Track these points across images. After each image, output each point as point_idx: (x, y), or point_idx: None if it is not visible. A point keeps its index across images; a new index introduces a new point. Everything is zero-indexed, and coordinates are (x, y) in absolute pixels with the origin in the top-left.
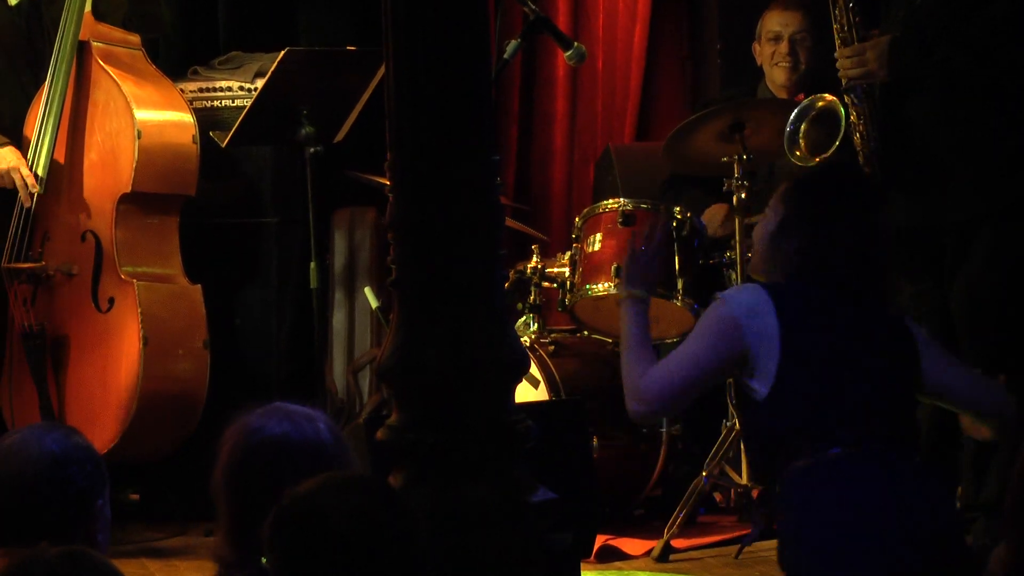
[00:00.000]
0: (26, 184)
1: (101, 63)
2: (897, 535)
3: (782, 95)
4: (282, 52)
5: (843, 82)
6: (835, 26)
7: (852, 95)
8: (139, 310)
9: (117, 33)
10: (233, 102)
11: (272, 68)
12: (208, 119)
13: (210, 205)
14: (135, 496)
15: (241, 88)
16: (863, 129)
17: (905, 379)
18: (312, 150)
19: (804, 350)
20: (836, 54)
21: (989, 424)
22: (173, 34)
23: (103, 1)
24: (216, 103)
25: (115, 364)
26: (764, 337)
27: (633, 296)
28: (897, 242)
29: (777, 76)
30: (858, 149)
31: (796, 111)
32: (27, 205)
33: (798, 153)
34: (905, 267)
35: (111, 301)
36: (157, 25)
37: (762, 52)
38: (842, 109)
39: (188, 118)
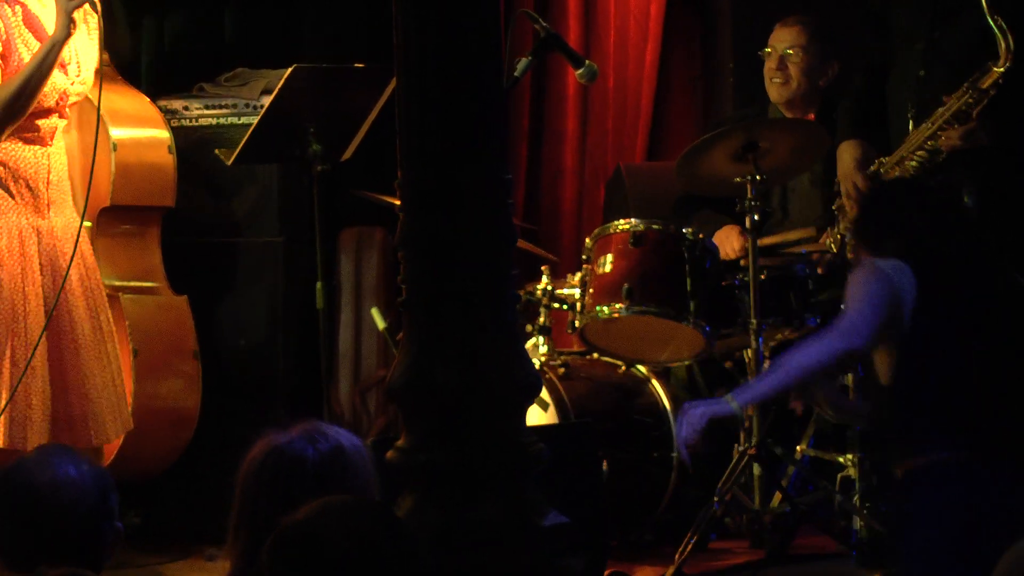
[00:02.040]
0: None
1: None
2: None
3: (786, 113)
4: (289, 69)
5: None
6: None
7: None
8: (127, 323)
9: None
10: (239, 119)
11: (279, 85)
12: (214, 136)
13: (215, 224)
14: (137, 519)
15: (247, 105)
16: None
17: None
18: (319, 168)
19: (933, 330)
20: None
21: None
22: (177, 48)
23: None
24: (222, 120)
25: None
26: (904, 303)
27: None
28: None
29: (770, 92)
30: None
31: None
32: None
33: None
34: None
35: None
36: (116, 47)
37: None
38: None
39: (163, 128)
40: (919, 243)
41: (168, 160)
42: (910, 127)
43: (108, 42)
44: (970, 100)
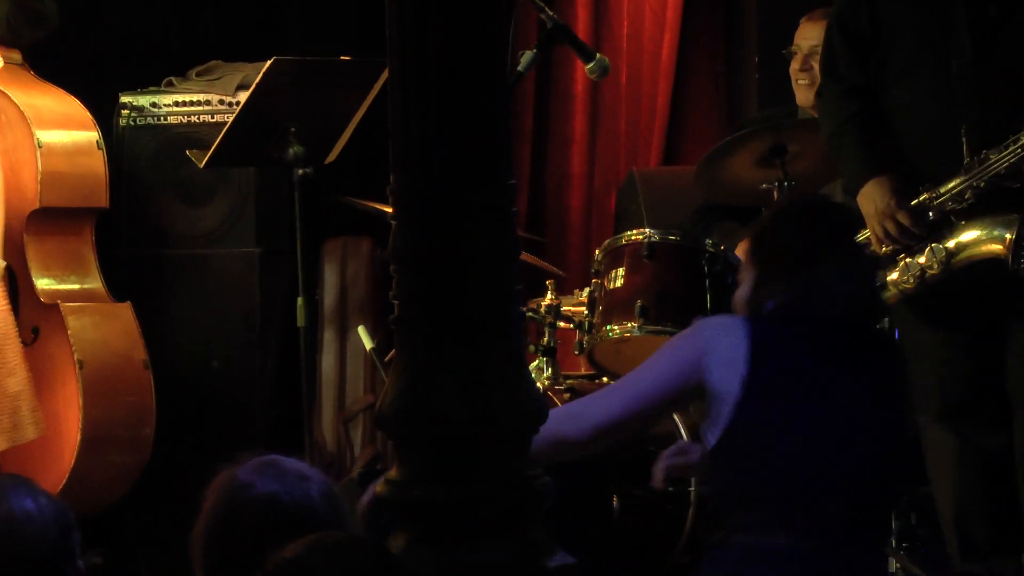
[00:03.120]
0: None
1: None
2: None
3: (816, 116)
4: (268, 62)
5: None
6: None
7: None
8: (69, 334)
9: None
10: (212, 118)
11: (256, 80)
12: (184, 137)
13: (186, 233)
14: (98, 559)
15: (221, 102)
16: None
17: (890, 451)
18: (301, 172)
19: (767, 402)
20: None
21: None
22: (145, 38)
23: None
24: (193, 119)
25: (51, 397)
26: (727, 372)
27: None
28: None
29: (797, 95)
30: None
31: None
32: None
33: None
34: (931, 312)
35: (35, 331)
36: (44, 23)
37: None
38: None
39: (90, 125)
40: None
41: (98, 158)
42: (963, 148)
43: (18, 33)
44: None
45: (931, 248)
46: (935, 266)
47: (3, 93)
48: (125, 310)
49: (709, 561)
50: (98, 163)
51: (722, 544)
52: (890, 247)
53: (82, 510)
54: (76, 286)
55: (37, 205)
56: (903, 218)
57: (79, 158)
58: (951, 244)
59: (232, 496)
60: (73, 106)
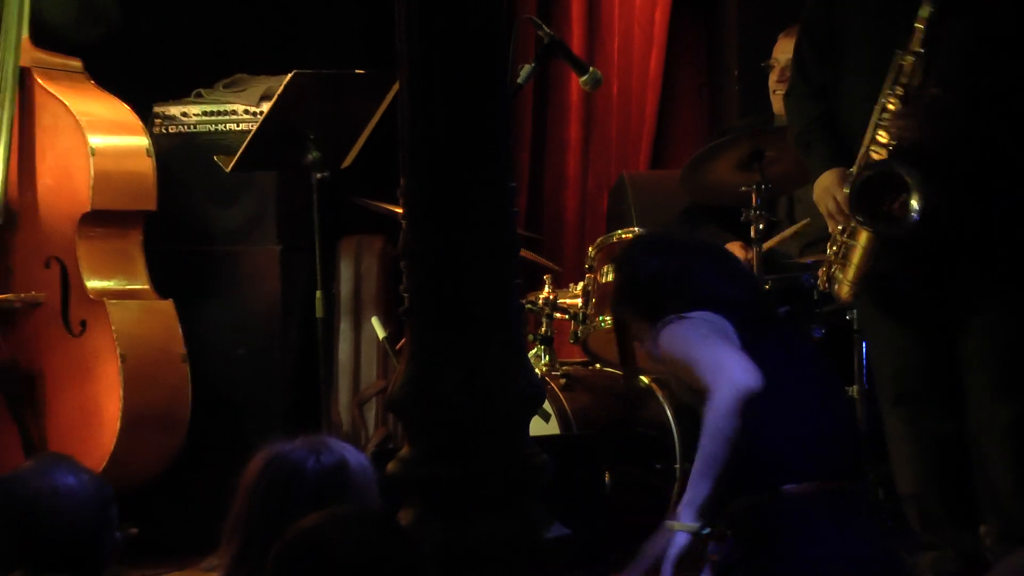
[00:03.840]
0: None
1: (44, 86)
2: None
3: None
4: (289, 75)
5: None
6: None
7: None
8: (113, 328)
9: (57, 58)
10: (238, 126)
11: (278, 91)
12: (212, 143)
13: (214, 232)
14: (134, 530)
15: (246, 111)
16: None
17: (845, 403)
18: (319, 176)
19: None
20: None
21: None
22: (176, 53)
23: (51, 5)
24: (221, 127)
25: (95, 387)
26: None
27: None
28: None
29: (774, 104)
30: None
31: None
32: None
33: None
34: (898, 306)
35: (83, 324)
36: (106, 20)
37: None
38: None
39: (140, 131)
40: (707, 292)
41: (147, 164)
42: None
43: (82, 31)
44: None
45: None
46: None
47: (60, 101)
48: (167, 307)
49: (744, 519)
50: (147, 168)
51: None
52: (837, 224)
53: (121, 487)
54: (122, 284)
55: (88, 208)
56: (839, 197)
57: (129, 163)
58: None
59: (274, 466)
60: (125, 114)
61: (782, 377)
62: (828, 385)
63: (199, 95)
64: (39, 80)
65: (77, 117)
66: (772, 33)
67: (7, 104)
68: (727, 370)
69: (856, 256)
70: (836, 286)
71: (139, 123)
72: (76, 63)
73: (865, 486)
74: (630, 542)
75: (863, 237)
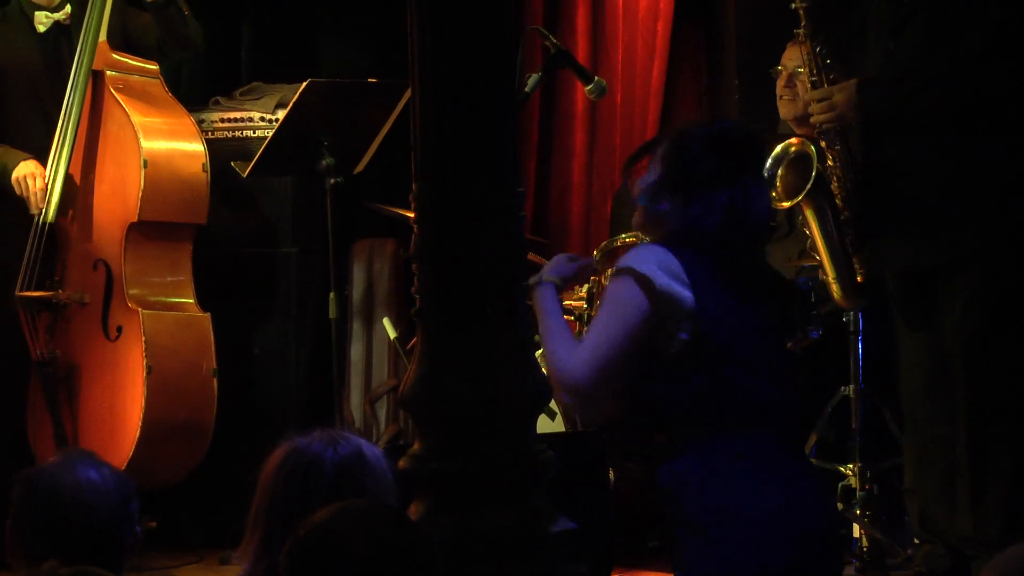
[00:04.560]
0: (36, 191)
1: (113, 93)
2: (794, 532)
3: (796, 130)
4: (304, 83)
5: (814, 127)
6: (804, 70)
7: (825, 139)
8: (143, 339)
9: (133, 62)
10: (254, 132)
11: (293, 99)
12: (229, 149)
13: (230, 235)
14: (152, 523)
15: (262, 119)
16: (839, 172)
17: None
18: (332, 181)
19: (713, 305)
20: (806, 98)
21: None
22: (195, 63)
23: (134, 25)
24: (237, 133)
25: (122, 392)
26: (677, 287)
27: (546, 280)
28: (893, 286)
29: (780, 109)
30: (835, 192)
31: (772, 157)
32: (33, 212)
33: (774, 195)
34: (902, 312)
35: (119, 329)
36: (191, 46)
37: None
38: (813, 150)
39: (198, 147)
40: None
41: (202, 179)
42: None
43: (167, 55)
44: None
45: None
46: None
47: (124, 109)
48: (203, 321)
49: (695, 458)
50: (201, 182)
51: (698, 442)
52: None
53: (140, 489)
54: (163, 295)
55: (136, 218)
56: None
57: (183, 176)
58: None
59: (293, 458)
60: (187, 127)
61: (726, 327)
62: (770, 339)
63: (217, 103)
64: (109, 85)
65: (136, 128)
66: (770, 43)
67: (76, 105)
68: (585, 361)
69: (819, 244)
70: (831, 291)
71: (199, 136)
72: (152, 67)
73: (792, 432)
74: (633, 536)
75: (807, 215)
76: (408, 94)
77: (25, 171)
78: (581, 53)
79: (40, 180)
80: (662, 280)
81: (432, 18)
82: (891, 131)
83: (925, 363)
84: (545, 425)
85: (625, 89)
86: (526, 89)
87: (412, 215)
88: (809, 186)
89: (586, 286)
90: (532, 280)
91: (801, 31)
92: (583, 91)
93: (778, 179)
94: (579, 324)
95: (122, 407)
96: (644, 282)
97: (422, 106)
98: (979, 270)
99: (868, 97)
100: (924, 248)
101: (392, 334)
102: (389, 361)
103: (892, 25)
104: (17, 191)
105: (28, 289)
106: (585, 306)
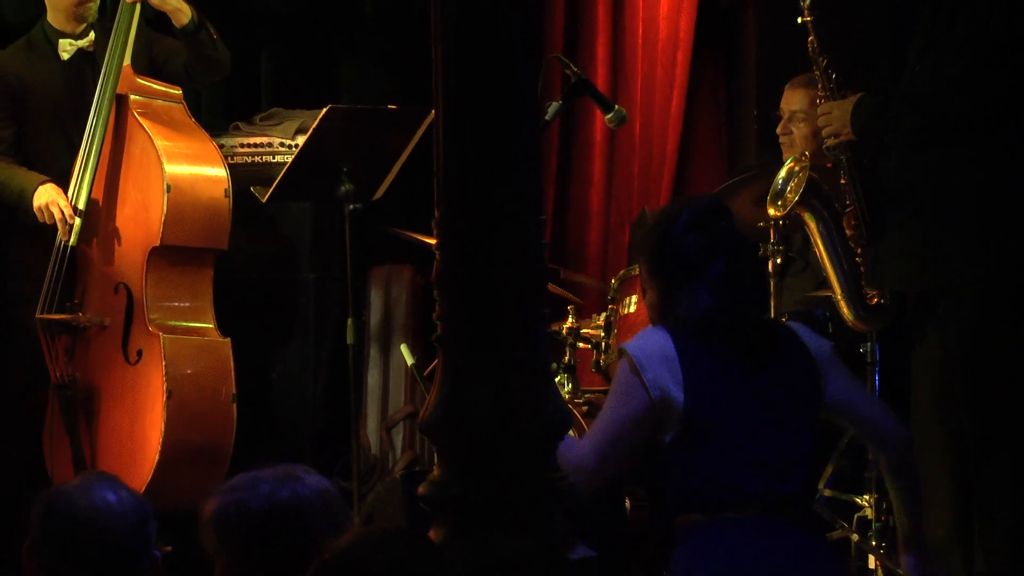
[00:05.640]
0: (64, 217)
1: (137, 117)
2: None
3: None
4: (324, 109)
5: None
6: (817, 87)
7: (833, 153)
8: (164, 363)
9: (157, 86)
10: (274, 158)
11: (314, 125)
12: (249, 174)
13: (249, 260)
14: (168, 548)
15: (282, 144)
16: (849, 188)
17: (806, 419)
18: (351, 207)
19: (706, 400)
20: (817, 112)
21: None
22: (215, 88)
23: (160, 51)
24: (257, 159)
25: (141, 416)
26: (671, 384)
27: None
28: (899, 304)
29: (783, 152)
30: (846, 210)
31: (783, 174)
32: (63, 239)
33: (780, 203)
34: (908, 329)
35: (139, 353)
36: (220, 69)
37: None
38: (808, 166)
39: (221, 172)
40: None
41: (224, 204)
42: None
43: (196, 79)
44: None
45: None
46: None
47: (147, 134)
48: (223, 346)
49: (686, 541)
50: (223, 208)
51: (689, 526)
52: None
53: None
54: (183, 319)
55: (158, 242)
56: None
57: (205, 201)
58: None
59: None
60: (209, 152)
61: (717, 416)
62: (775, 414)
63: (237, 128)
64: (133, 109)
65: (160, 153)
66: (790, 73)
67: (99, 129)
68: (591, 445)
69: (824, 259)
70: (843, 312)
71: (222, 161)
72: (176, 91)
73: (801, 513)
74: (648, 564)
75: (810, 227)
76: (428, 121)
77: (46, 199)
78: (601, 82)
79: (65, 207)
80: (650, 375)
81: (455, 46)
82: (891, 149)
83: (930, 388)
84: None
85: (644, 118)
86: (546, 117)
87: (433, 241)
88: (802, 190)
89: (603, 314)
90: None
91: (809, 46)
92: (602, 119)
93: (787, 194)
94: (596, 352)
95: (141, 431)
96: (638, 371)
97: (445, 133)
98: (982, 292)
99: (859, 116)
100: (927, 267)
101: (409, 360)
102: (406, 387)
103: (921, 47)
104: (40, 219)
105: (48, 312)
106: (603, 334)
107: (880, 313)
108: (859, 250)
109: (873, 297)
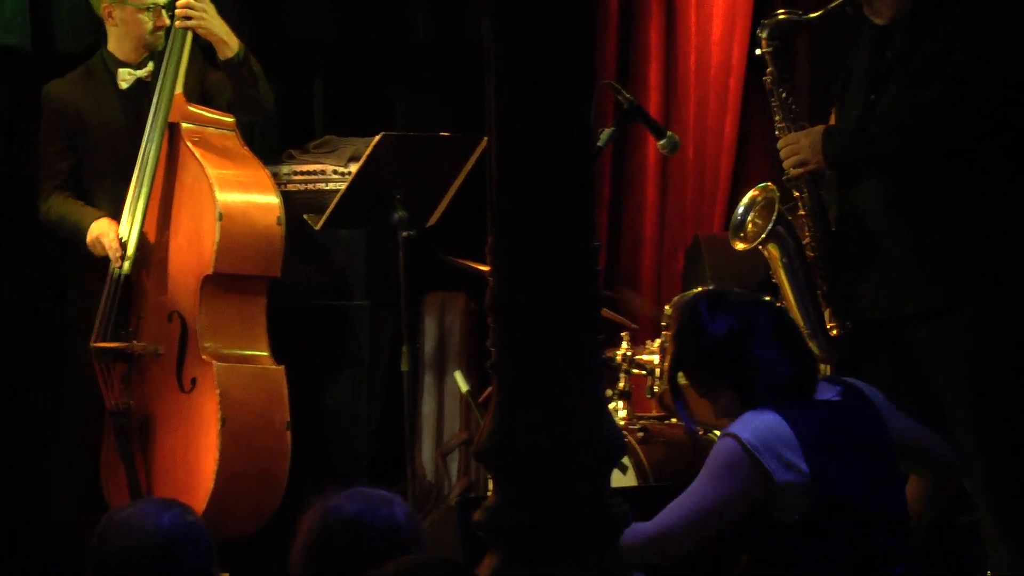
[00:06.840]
0: (113, 249)
1: (189, 145)
2: None
3: None
4: (377, 137)
5: (783, 173)
6: (775, 118)
7: (793, 186)
8: (217, 392)
9: (209, 114)
10: (327, 185)
11: (367, 152)
12: (302, 202)
13: (303, 287)
14: (225, 575)
15: (335, 172)
16: (809, 222)
17: (894, 465)
18: (405, 234)
19: (826, 469)
20: (778, 145)
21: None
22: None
23: (211, 83)
24: (310, 186)
25: (195, 444)
26: (799, 463)
27: None
28: (867, 334)
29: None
30: (806, 242)
31: (742, 205)
32: (116, 266)
33: (741, 235)
34: (876, 360)
35: (193, 382)
36: (260, 109)
37: None
38: (777, 195)
39: (274, 200)
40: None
41: (276, 232)
42: None
43: (246, 106)
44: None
45: None
46: None
47: (199, 162)
48: (277, 374)
49: None
50: (276, 235)
51: None
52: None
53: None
54: (237, 348)
55: (211, 270)
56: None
57: (258, 229)
58: None
59: (323, 519)
60: (262, 180)
61: (843, 469)
62: (882, 463)
63: (290, 156)
64: (185, 138)
65: (211, 181)
66: None
67: (151, 157)
68: (678, 516)
69: (787, 290)
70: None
71: (274, 188)
72: (228, 119)
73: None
74: None
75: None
76: (480, 148)
77: (97, 231)
78: (653, 108)
79: (112, 240)
80: (772, 459)
81: (508, 72)
82: (859, 177)
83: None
84: (617, 479)
85: (697, 144)
86: (599, 143)
87: (487, 268)
88: (771, 225)
89: (658, 340)
90: None
91: (768, 77)
92: (655, 146)
93: (748, 224)
94: (651, 379)
95: (196, 458)
96: (753, 453)
97: (499, 160)
98: (964, 314)
99: (831, 144)
100: (896, 296)
101: (464, 387)
102: (461, 414)
103: (874, 78)
104: (94, 252)
105: (103, 340)
106: (657, 361)
107: (839, 345)
108: (823, 284)
109: (833, 328)
